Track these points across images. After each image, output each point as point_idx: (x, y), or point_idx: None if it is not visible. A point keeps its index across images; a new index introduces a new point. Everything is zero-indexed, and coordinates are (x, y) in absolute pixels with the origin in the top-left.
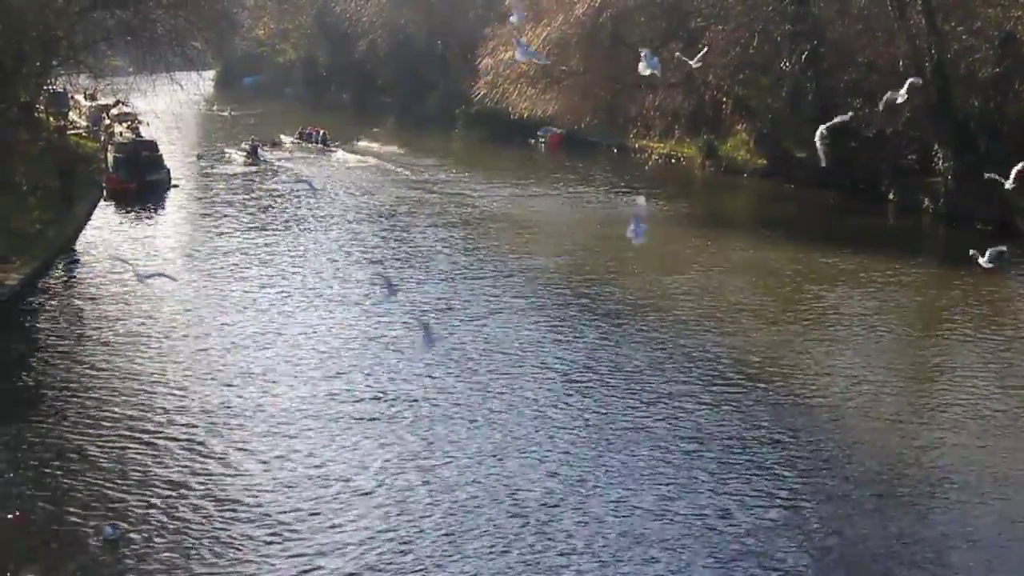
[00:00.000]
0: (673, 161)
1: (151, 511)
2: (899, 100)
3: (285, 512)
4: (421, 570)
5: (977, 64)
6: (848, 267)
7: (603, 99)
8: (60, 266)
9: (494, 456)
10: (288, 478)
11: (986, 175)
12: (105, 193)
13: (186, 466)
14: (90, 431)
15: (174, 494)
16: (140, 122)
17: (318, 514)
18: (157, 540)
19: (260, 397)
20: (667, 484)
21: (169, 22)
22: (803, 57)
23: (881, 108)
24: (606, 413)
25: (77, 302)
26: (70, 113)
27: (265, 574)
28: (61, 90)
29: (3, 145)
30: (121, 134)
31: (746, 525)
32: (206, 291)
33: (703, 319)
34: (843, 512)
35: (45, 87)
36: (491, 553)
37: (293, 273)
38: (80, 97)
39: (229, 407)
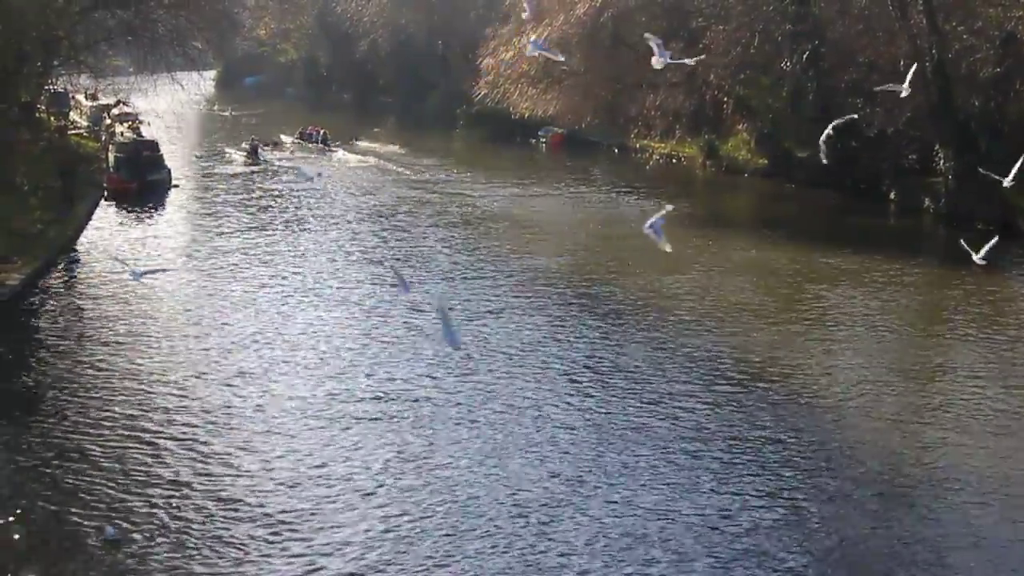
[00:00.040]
0: (674, 161)
1: (151, 511)
2: (903, 93)
3: (286, 512)
4: (422, 570)
5: (978, 64)
6: (849, 267)
7: (604, 99)
8: (61, 266)
9: (495, 456)
10: (289, 478)
11: (981, 171)
12: (106, 193)
13: (187, 466)
14: (91, 431)
15: (175, 494)
16: (141, 122)
17: (319, 514)
18: (158, 540)
19: (261, 397)
20: (668, 484)
21: (170, 22)
22: (804, 57)
23: (887, 89)
24: (607, 413)
25: (78, 302)
26: (71, 113)
27: (266, 574)
28: (62, 90)
29: (4, 145)
30: (122, 134)
31: (747, 525)
32: (207, 291)
33: (704, 319)
34: (844, 512)
35: (46, 87)
36: (492, 553)
37: (294, 273)
38: (81, 97)
39: (230, 407)
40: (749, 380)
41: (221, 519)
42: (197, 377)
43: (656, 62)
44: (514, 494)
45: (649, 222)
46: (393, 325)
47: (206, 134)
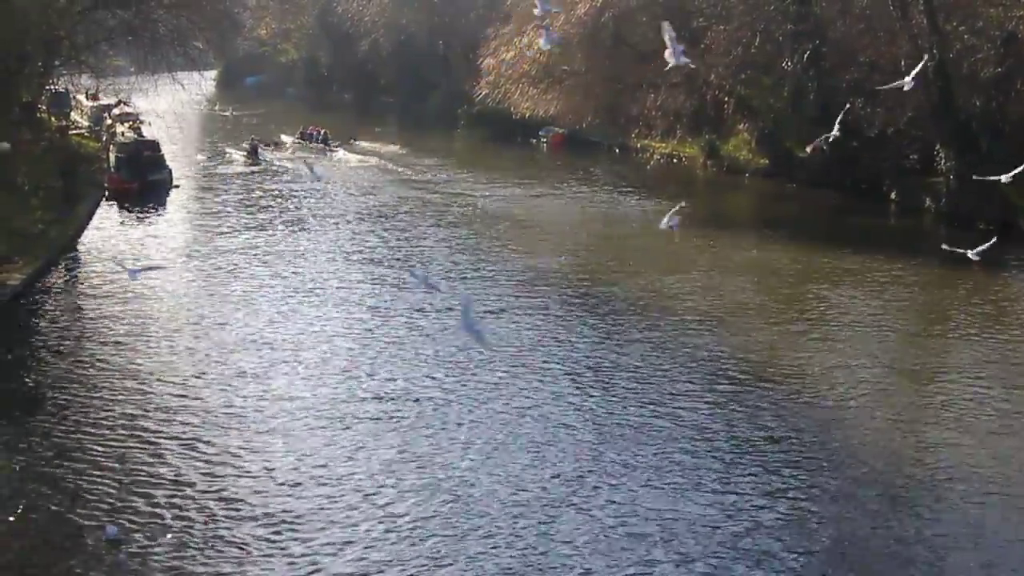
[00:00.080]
0: (675, 161)
1: (152, 511)
2: (906, 87)
3: (287, 512)
4: (424, 570)
5: (979, 64)
6: (850, 267)
7: (605, 99)
8: (62, 266)
9: (496, 456)
10: (290, 478)
11: (975, 177)
12: (107, 193)
13: (188, 465)
14: (91, 430)
15: (176, 493)
16: (142, 122)
17: (320, 514)
18: (158, 540)
19: (261, 397)
20: (669, 484)
21: (171, 22)
22: (805, 57)
23: (893, 87)
24: (608, 412)
25: (79, 302)
26: (72, 113)
27: (267, 574)
28: (63, 90)
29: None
30: (123, 134)
31: (747, 524)
32: (207, 290)
33: (705, 319)
34: (845, 512)
35: (47, 87)
36: (493, 553)
37: (294, 273)
38: (82, 97)
39: (230, 406)
40: (750, 380)
41: (222, 519)
42: (198, 377)
43: (668, 55)
44: (515, 494)
45: (665, 220)
46: (394, 325)
47: (207, 134)
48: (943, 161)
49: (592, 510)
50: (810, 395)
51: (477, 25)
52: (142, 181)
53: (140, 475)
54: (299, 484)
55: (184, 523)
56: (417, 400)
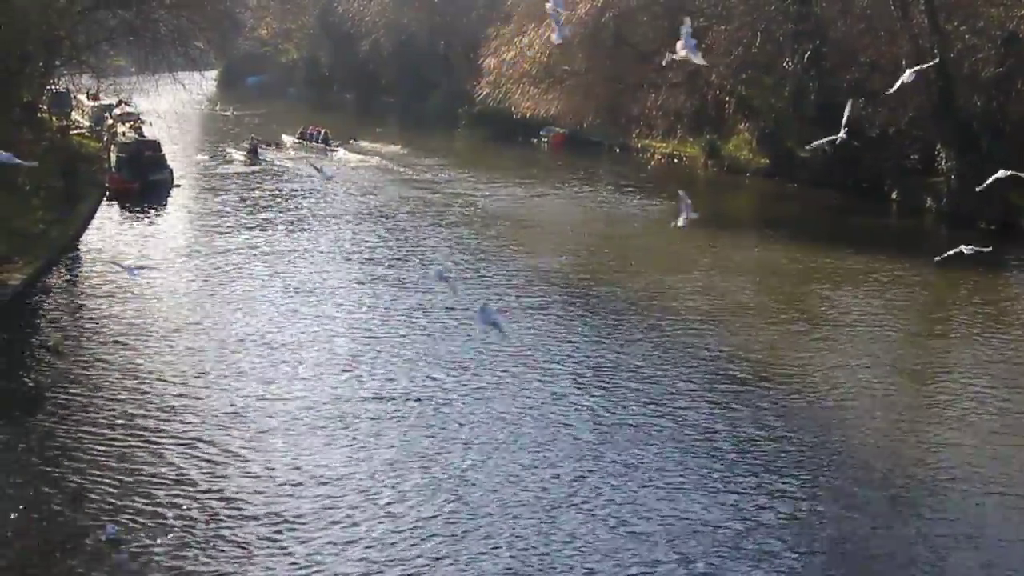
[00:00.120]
0: (676, 161)
1: (152, 510)
2: (907, 80)
3: (288, 511)
4: (425, 569)
5: (980, 64)
6: (851, 267)
7: (605, 99)
8: (63, 266)
9: (498, 455)
10: (291, 477)
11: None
12: (108, 193)
13: (189, 465)
14: (92, 430)
15: (177, 493)
16: (143, 122)
17: (322, 514)
18: (159, 540)
19: (262, 396)
20: (669, 483)
21: (172, 22)
22: (806, 56)
23: (899, 84)
24: (608, 412)
25: (79, 302)
26: (73, 113)
27: (269, 574)
28: (64, 90)
29: (6, 145)
30: (124, 134)
31: (748, 524)
32: (208, 290)
33: (706, 318)
34: (846, 511)
35: (48, 87)
36: (494, 552)
37: (295, 272)
38: (83, 97)
39: (231, 406)
40: (751, 380)
41: (222, 518)
42: (198, 376)
43: (679, 46)
44: (516, 494)
45: (682, 217)
46: (394, 324)
47: (208, 134)
48: (944, 161)
49: (593, 510)
50: (811, 395)
51: (478, 25)
52: (143, 181)
53: (140, 475)
54: (300, 484)
55: (184, 523)
56: (418, 400)
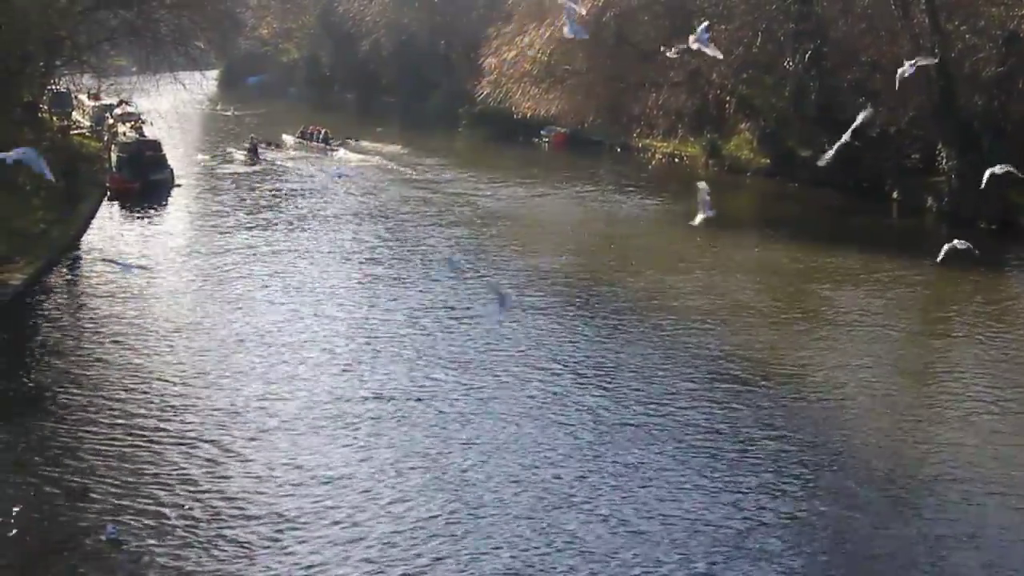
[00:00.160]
0: (676, 160)
1: (153, 510)
2: (907, 73)
3: (289, 511)
4: (427, 569)
5: (981, 63)
6: (852, 266)
7: (606, 98)
8: (64, 266)
9: (499, 455)
10: (292, 477)
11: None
12: (108, 193)
13: (190, 465)
14: (92, 430)
15: (177, 493)
16: (143, 122)
17: (322, 513)
18: (159, 540)
19: (263, 396)
20: (670, 483)
21: (173, 22)
22: (807, 56)
23: (897, 86)
24: (609, 412)
25: (80, 302)
26: (74, 113)
27: (269, 574)
28: (65, 90)
29: (7, 145)
30: (124, 134)
31: (749, 524)
32: (209, 290)
33: (707, 318)
34: (846, 511)
35: (49, 87)
36: (496, 552)
37: (295, 272)
38: (84, 97)
39: (232, 406)
40: (751, 379)
41: (223, 518)
42: (199, 376)
43: (692, 39)
44: (517, 494)
45: (700, 215)
46: (396, 324)
47: (208, 134)
48: (945, 161)
49: (594, 510)
50: (812, 394)
51: (479, 24)
52: (144, 181)
53: (141, 474)
54: (301, 483)
55: (185, 522)
56: (419, 399)
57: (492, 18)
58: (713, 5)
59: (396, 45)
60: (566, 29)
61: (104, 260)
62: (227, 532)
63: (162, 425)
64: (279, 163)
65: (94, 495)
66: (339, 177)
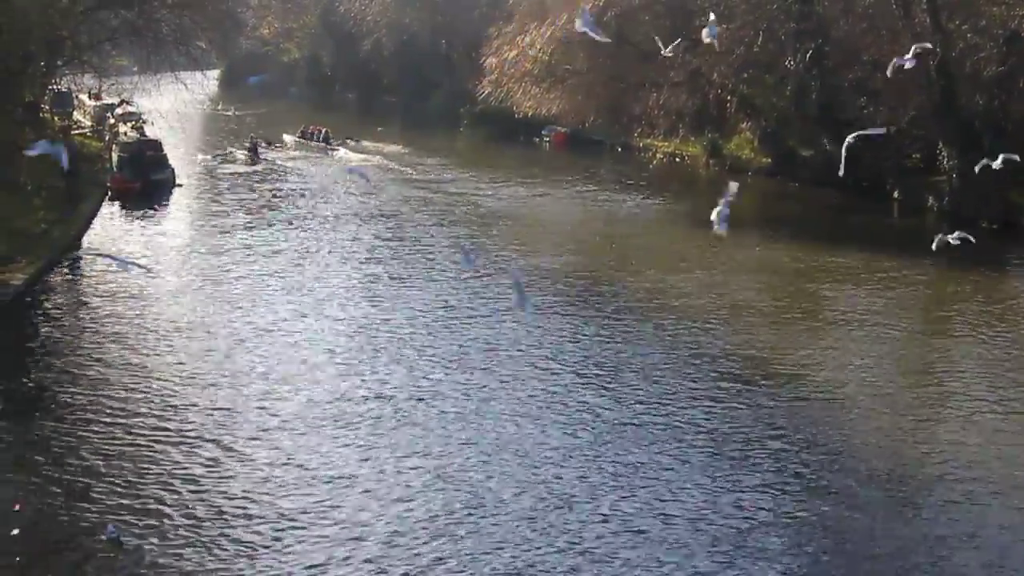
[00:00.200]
0: (677, 160)
1: (153, 510)
2: (907, 65)
3: (290, 510)
4: (428, 568)
5: (982, 63)
6: (853, 266)
7: (607, 98)
8: (65, 266)
9: (500, 455)
10: (293, 476)
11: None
12: (110, 193)
13: (191, 464)
14: (93, 429)
15: (178, 492)
16: (144, 121)
17: (323, 513)
18: (160, 539)
19: (264, 395)
20: (671, 482)
21: (174, 22)
22: (808, 56)
23: (889, 74)
24: (610, 411)
25: (81, 302)
26: (75, 113)
27: (271, 573)
28: (66, 90)
29: (8, 145)
30: (126, 133)
31: (749, 523)
32: (210, 289)
33: (707, 317)
34: (847, 511)
35: (50, 87)
36: (497, 552)
37: (297, 271)
38: (85, 97)
39: (233, 405)
40: (752, 379)
41: (224, 518)
42: (200, 375)
43: (705, 35)
44: (518, 494)
45: (716, 214)
46: (397, 324)
47: (209, 133)
48: (946, 160)
49: (594, 509)
50: (813, 394)
51: (480, 24)
52: (145, 180)
53: (141, 474)
54: (302, 483)
55: (186, 522)
56: (420, 399)
57: (493, 18)
58: (714, 4)
59: (397, 45)
60: (579, 23)
61: (106, 260)
62: (228, 531)
63: (163, 424)
64: (279, 163)
65: (94, 495)
66: (351, 172)
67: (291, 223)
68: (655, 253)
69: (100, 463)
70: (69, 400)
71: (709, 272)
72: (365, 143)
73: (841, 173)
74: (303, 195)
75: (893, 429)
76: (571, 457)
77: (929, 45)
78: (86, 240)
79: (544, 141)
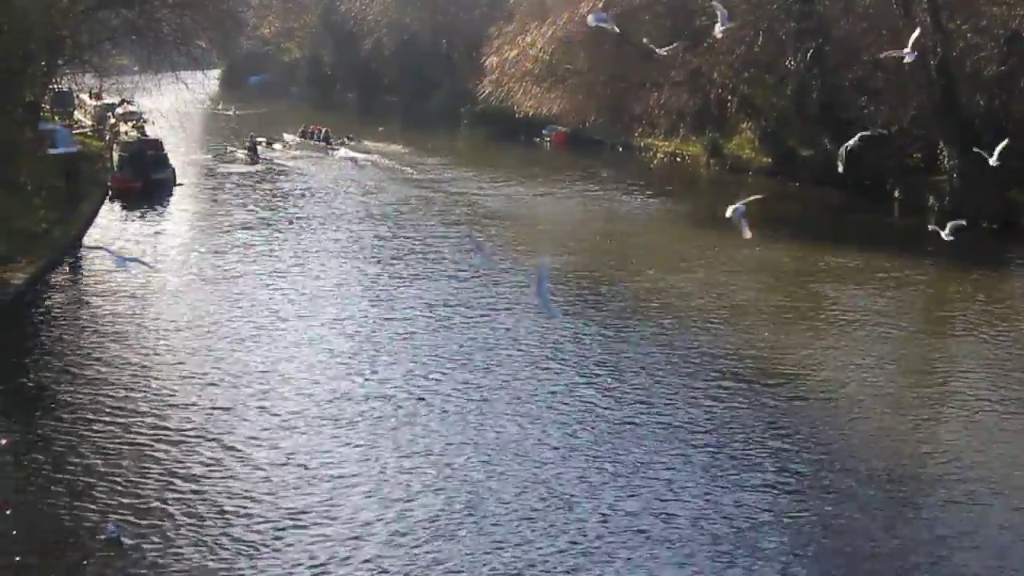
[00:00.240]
0: (678, 159)
1: (154, 509)
2: (906, 60)
3: (291, 510)
4: (428, 568)
5: (982, 62)
6: (853, 265)
7: (608, 97)
8: (65, 265)
9: (500, 454)
10: (294, 476)
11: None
12: (110, 192)
13: (191, 464)
14: (93, 429)
15: (178, 492)
16: (145, 121)
17: (324, 513)
18: (160, 539)
19: (267, 395)
20: (671, 482)
21: (174, 21)
22: (808, 55)
23: (882, 56)
24: (611, 411)
25: (81, 301)
26: (75, 112)
27: (272, 573)
28: (66, 89)
29: (8, 145)
30: (126, 133)
31: (749, 522)
32: (211, 289)
33: (708, 317)
34: (847, 511)
35: (50, 86)
36: (498, 550)
37: (297, 271)
38: (85, 96)
39: (235, 404)
40: (753, 378)
41: (224, 517)
42: (201, 374)
43: (717, 28)
44: (519, 493)
45: (732, 207)
46: (398, 323)
47: (210, 133)
48: (946, 160)
49: (595, 509)
50: (813, 393)
51: (480, 24)
52: (145, 180)
53: (142, 473)
54: (302, 482)
55: (186, 521)
56: (420, 398)
57: (494, 17)
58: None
59: (398, 44)
60: (590, 18)
61: (106, 260)
62: (228, 531)
63: (163, 423)
64: (279, 162)
65: (94, 494)
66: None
67: (291, 223)
68: (655, 253)
69: (100, 462)
70: (69, 399)
71: (709, 271)
72: (365, 142)
73: (840, 170)
74: (303, 195)
75: (893, 429)
76: (571, 457)
77: (919, 29)
78: (87, 239)
79: (545, 141)
